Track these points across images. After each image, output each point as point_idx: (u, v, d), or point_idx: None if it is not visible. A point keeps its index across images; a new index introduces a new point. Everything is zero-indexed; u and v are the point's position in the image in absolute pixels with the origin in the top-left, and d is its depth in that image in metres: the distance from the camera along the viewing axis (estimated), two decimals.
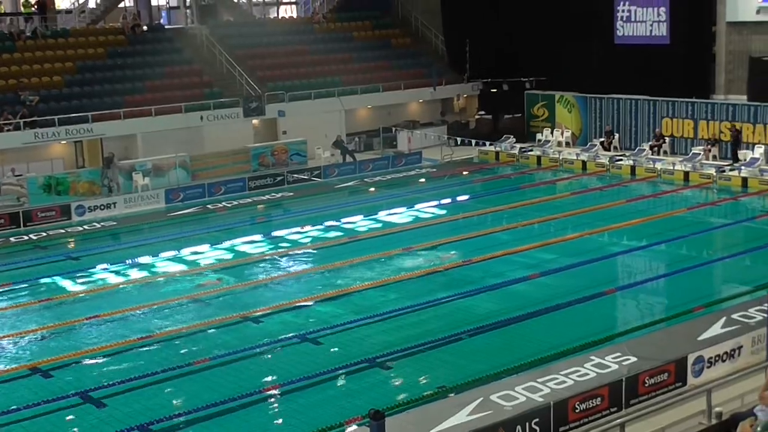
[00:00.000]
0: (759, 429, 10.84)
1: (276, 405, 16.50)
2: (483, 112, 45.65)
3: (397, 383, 17.15)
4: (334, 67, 44.51)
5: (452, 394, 15.73)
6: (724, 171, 34.09)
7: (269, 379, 17.49)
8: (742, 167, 33.73)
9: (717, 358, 16.14)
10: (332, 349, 18.85)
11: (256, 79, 41.86)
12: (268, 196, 35.29)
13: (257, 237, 28.89)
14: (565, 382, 15.01)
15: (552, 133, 42.45)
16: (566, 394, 14.45)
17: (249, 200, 34.79)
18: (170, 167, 36.70)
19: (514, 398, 14.46)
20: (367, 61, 45.56)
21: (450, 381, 16.66)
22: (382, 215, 31.00)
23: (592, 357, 16.06)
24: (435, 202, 32.69)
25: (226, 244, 27.93)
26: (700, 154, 35.80)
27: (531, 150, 40.74)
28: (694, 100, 38.09)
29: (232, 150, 38.79)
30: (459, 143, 41.44)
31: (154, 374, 17.67)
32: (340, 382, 17.29)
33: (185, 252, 27.17)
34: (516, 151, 40.72)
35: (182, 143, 37.78)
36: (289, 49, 44.84)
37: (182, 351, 19.11)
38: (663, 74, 39.56)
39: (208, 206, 33.89)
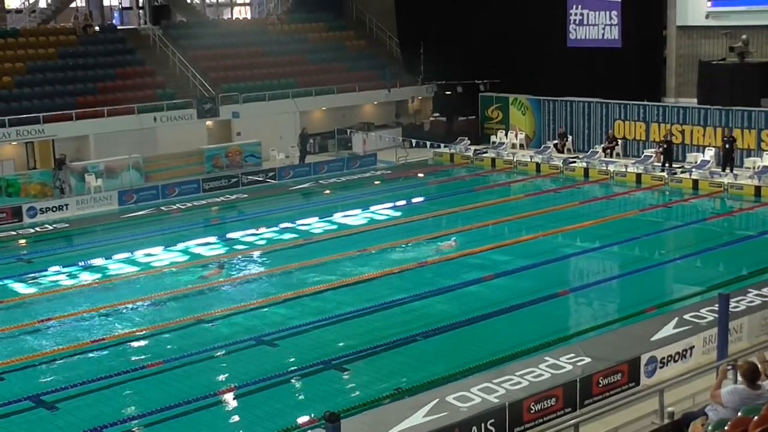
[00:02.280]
0: (710, 428, 10.97)
1: (231, 408, 16.41)
2: (437, 114, 45.81)
3: (352, 385, 17.13)
4: (289, 68, 44.42)
5: (408, 396, 15.73)
6: (675, 173, 34.49)
7: (224, 381, 17.39)
8: (693, 170, 34.14)
9: (669, 359, 16.31)
10: (287, 352, 18.79)
11: (209, 80, 41.64)
12: (222, 198, 35.11)
13: (212, 239, 28.72)
14: (520, 383, 15.06)
15: (506, 135, 42.67)
16: (521, 395, 14.51)
17: (203, 202, 34.59)
18: (123, 169, 36.38)
19: (470, 399, 14.49)
20: (321, 62, 45.50)
21: (406, 383, 16.67)
22: (337, 217, 30.98)
23: (547, 358, 16.13)
24: (390, 204, 32.72)
25: (180, 246, 27.73)
26: (651, 156, 36.18)
27: (485, 152, 40.92)
28: (645, 102, 38.50)
29: (186, 151, 38.55)
30: (414, 145, 41.55)
31: (107, 378, 17.48)
32: (296, 384, 17.24)
33: (139, 254, 26.93)
34: (470, 153, 40.89)
35: (135, 144, 37.45)
36: (243, 51, 44.67)
37: (135, 354, 18.94)
38: (615, 77, 39.94)
39: (162, 208, 33.63)
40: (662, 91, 40.38)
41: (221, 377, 17.65)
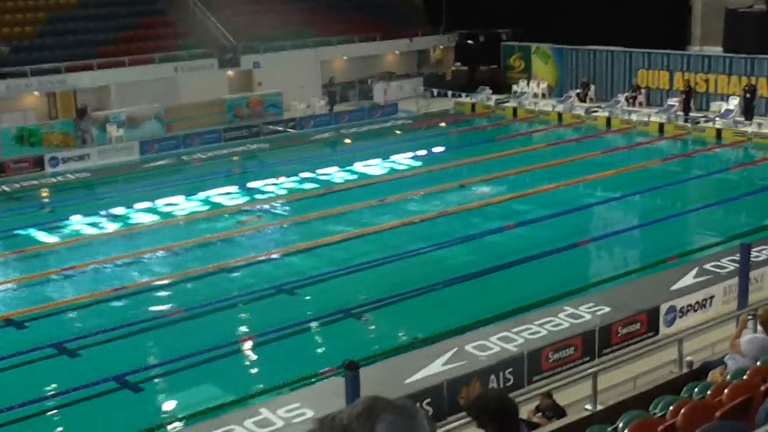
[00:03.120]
0: (729, 377, 10.90)
1: (251, 356, 16.52)
2: (459, 64, 45.44)
3: (371, 334, 17.18)
4: (309, 17, 44.06)
5: (427, 345, 15.76)
6: (698, 122, 34.13)
7: (244, 329, 17.50)
8: (716, 119, 33.77)
9: (689, 308, 16.24)
10: (307, 301, 18.86)
11: (231, 30, 41.39)
12: (243, 148, 35.08)
13: (232, 189, 28.73)
14: (539, 332, 15.08)
15: (528, 84, 42.30)
16: (540, 344, 14.52)
17: (224, 152, 34.58)
18: (144, 119, 36.37)
19: (489, 348, 14.51)
20: (342, 12, 45.10)
21: (424, 331, 16.68)
22: (358, 167, 30.88)
23: (566, 307, 16.12)
24: (411, 154, 32.58)
25: (201, 195, 27.76)
26: (675, 105, 35.79)
27: (507, 101, 40.62)
28: (669, 51, 38.01)
29: (207, 101, 38.46)
30: (435, 95, 41.28)
31: (129, 326, 17.59)
32: (315, 333, 17.30)
33: (160, 203, 26.97)
34: (492, 103, 40.61)
35: (156, 95, 37.38)
36: (264, 0, 44.32)
37: (157, 304, 19.05)
38: (639, 25, 39.41)
39: (183, 158, 33.67)
40: (687, 39, 39.82)
41: (242, 326, 17.75)
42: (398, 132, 37.49)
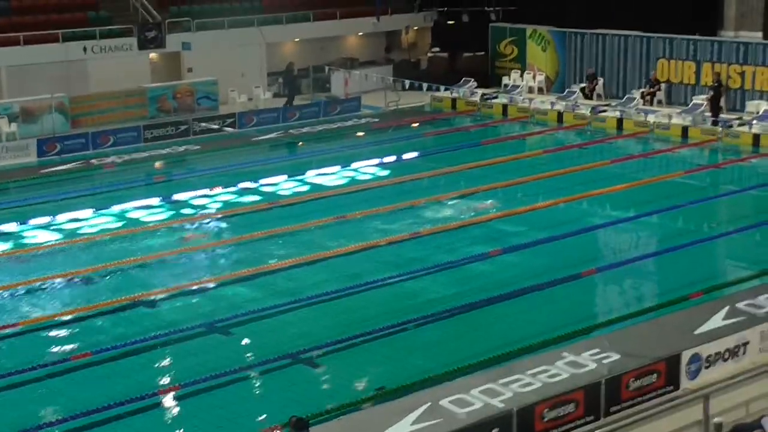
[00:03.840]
0: None
1: (176, 410, 16.43)
2: (437, 49, 45.67)
3: (325, 383, 17.17)
4: None
5: (394, 398, 15.74)
6: (731, 126, 34.48)
7: (167, 378, 17.40)
8: (753, 122, 34.13)
9: (717, 356, 16.35)
10: (246, 342, 18.80)
11: (154, 2, 41.34)
12: (168, 150, 35.01)
13: (154, 201, 28.63)
14: (531, 384, 15.10)
15: (522, 76, 42.57)
16: (533, 398, 14.56)
17: (144, 154, 34.48)
18: (44, 111, 36.21)
19: (469, 403, 14.52)
20: None
21: (391, 381, 16.68)
22: (311, 176, 30.91)
23: (565, 353, 16.17)
24: (376, 161, 32.67)
25: (115, 209, 27.65)
26: (702, 104, 36.14)
27: (496, 97, 40.85)
28: (697, 37, 38.39)
29: (124, 91, 38.42)
30: (407, 87, 41.39)
31: (20, 372, 17.43)
32: (255, 382, 17.26)
33: (62, 218, 26.83)
34: (477, 98, 40.79)
35: (60, 81, 37.26)
36: None
37: (57, 344, 18.92)
38: (659, 4, 39.77)
39: (93, 161, 33.53)
40: (719, 22, 40.24)
41: (164, 373, 17.64)
42: (361, 133, 37.55)
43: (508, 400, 14.57)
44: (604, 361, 15.81)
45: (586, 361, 15.85)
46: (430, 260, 22.92)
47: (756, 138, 33.54)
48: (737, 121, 34.85)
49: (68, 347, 18.68)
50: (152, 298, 21.02)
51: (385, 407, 15.14)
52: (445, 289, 21.20)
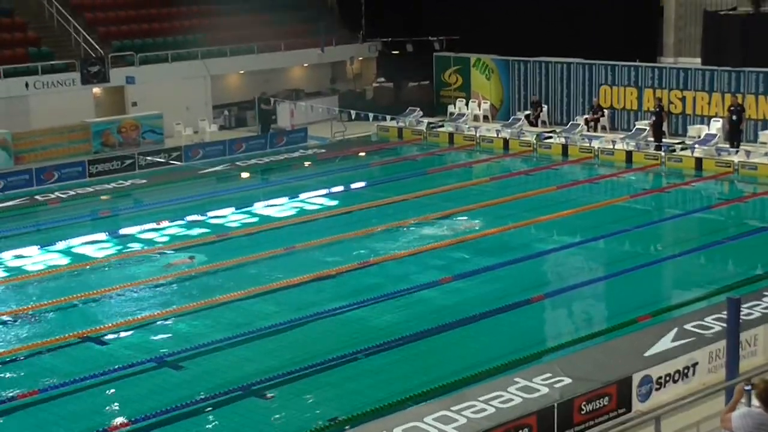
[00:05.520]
0: None
1: None
2: (382, 79, 45.83)
3: (277, 415, 17.06)
4: (197, 21, 44.08)
5: (347, 428, 15.68)
6: (674, 150, 34.85)
7: (117, 414, 17.21)
8: (695, 146, 34.50)
9: (667, 378, 16.47)
10: (196, 376, 18.65)
11: (97, 36, 41.17)
12: (114, 185, 34.82)
13: (100, 236, 28.43)
14: (485, 410, 15.10)
15: (467, 104, 42.80)
16: (487, 424, 14.55)
17: (90, 189, 34.27)
18: None
19: (423, 431, 14.50)
20: (238, 14, 45.16)
21: (344, 411, 16.63)
22: (258, 207, 30.86)
23: (517, 379, 16.18)
24: (324, 191, 32.68)
25: (60, 245, 27.42)
26: (645, 129, 36.50)
27: (441, 125, 41.04)
28: (638, 63, 38.82)
29: (68, 126, 38.17)
30: (353, 117, 41.47)
31: None
32: (206, 416, 17.12)
33: (6, 256, 26.57)
34: (423, 127, 40.96)
35: (1, 117, 36.98)
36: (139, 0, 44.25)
37: (3, 382, 18.65)
38: (601, 33, 40.18)
39: (37, 197, 33.24)
40: (658, 49, 40.74)
41: (113, 408, 17.46)
42: (308, 164, 37.57)
43: (462, 427, 14.56)
44: (556, 386, 15.85)
45: (539, 386, 15.87)
46: (380, 289, 22.89)
47: (698, 162, 33.94)
48: (680, 146, 35.24)
49: (14, 386, 18.43)
50: (101, 333, 20.82)
51: None
52: (396, 318, 21.20)
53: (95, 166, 36.18)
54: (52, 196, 33.40)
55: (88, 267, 25.57)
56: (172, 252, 26.56)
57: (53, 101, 38.25)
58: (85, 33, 40.77)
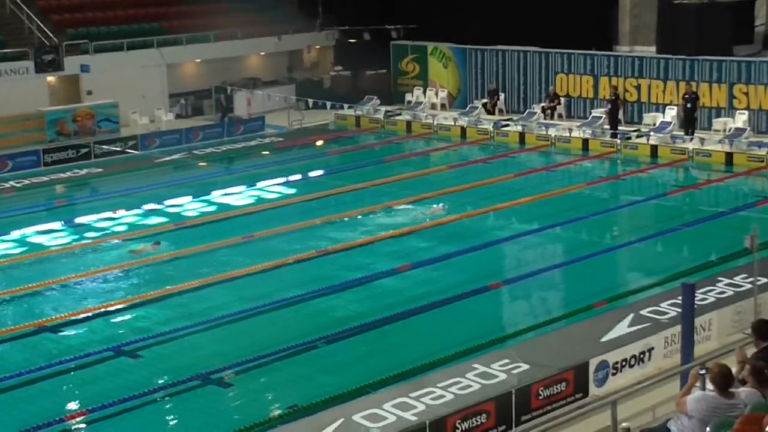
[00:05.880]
0: None
1: None
2: (340, 68, 45.76)
3: (237, 403, 17.07)
4: (153, 9, 43.84)
5: (307, 415, 15.74)
6: (629, 138, 35.07)
7: (75, 404, 17.15)
8: (651, 133, 34.74)
9: (624, 363, 16.62)
10: (155, 365, 18.60)
11: (51, 24, 40.85)
12: (69, 174, 34.62)
13: (56, 225, 28.26)
14: (443, 396, 15.19)
15: (424, 93, 42.84)
16: (445, 410, 14.64)
17: (45, 179, 34.05)
18: None
19: (382, 418, 14.56)
20: (195, 2, 44.93)
21: (304, 399, 16.66)
22: (216, 196, 30.78)
23: (475, 365, 16.29)
24: (282, 180, 32.64)
25: (15, 234, 27.25)
26: (601, 117, 36.70)
27: (399, 114, 41.07)
28: (594, 52, 39.00)
29: (21, 115, 37.90)
30: (311, 106, 41.39)
31: None
32: (166, 405, 17.09)
33: None
34: (381, 116, 40.98)
35: None
36: None
37: None
38: (557, 21, 40.31)
39: None
40: (614, 37, 40.93)
41: (71, 397, 17.40)
42: (266, 153, 37.51)
43: (420, 413, 14.63)
44: (514, 372, 15.97)
45: (497, 372, 15.99)
46: (339, 277, 22.93)
47: (654, 149, 34.20)
48: (635, 133, 35.46)
49: None
50: (57, 323, 20.71)
51: (298, 425, 15.14)
52: (355, 306, 21.24)
53: (50, 155, 35.95)
54: (7, 185, 33.13)
55: (43, 256, 25.41)
56: (131, 241, 26.44)
57: (7, 90, 37.89)
58: (38, 21, 40.41)
